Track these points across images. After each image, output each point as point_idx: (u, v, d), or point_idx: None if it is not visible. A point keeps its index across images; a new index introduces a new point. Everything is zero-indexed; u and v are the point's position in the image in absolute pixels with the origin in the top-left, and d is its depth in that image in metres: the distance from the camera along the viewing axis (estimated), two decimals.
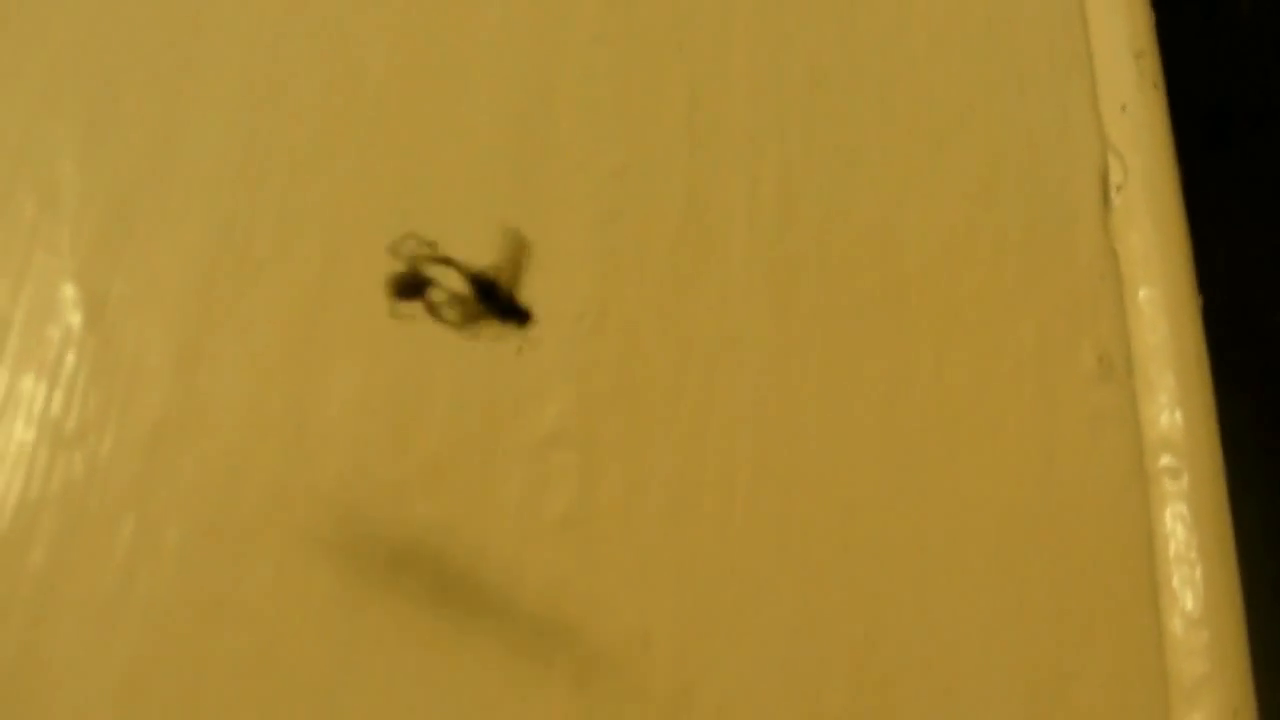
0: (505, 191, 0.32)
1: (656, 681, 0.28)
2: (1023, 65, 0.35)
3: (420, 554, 0.29)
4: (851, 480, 0.30)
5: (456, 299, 0.27)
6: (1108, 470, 0.31)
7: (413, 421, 0.30)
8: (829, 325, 0.32)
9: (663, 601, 0.29)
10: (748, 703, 0.28)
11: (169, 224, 0.32)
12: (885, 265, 0.32)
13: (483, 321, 0.27)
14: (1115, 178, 0.34)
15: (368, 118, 0.33)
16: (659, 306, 0.31)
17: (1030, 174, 0.34)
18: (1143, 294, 0.32)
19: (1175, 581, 0.30)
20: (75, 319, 0.31)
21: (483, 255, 0.31)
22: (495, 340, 0.30)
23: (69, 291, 0.31)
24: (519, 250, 0.27)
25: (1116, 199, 0.33)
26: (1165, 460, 0.31)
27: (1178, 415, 0.31)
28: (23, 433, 0.29)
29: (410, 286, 0.27)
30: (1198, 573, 0.30)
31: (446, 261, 0.27)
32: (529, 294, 0.30)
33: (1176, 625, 0.29)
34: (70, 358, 0.30)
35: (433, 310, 0.27)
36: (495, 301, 0.27)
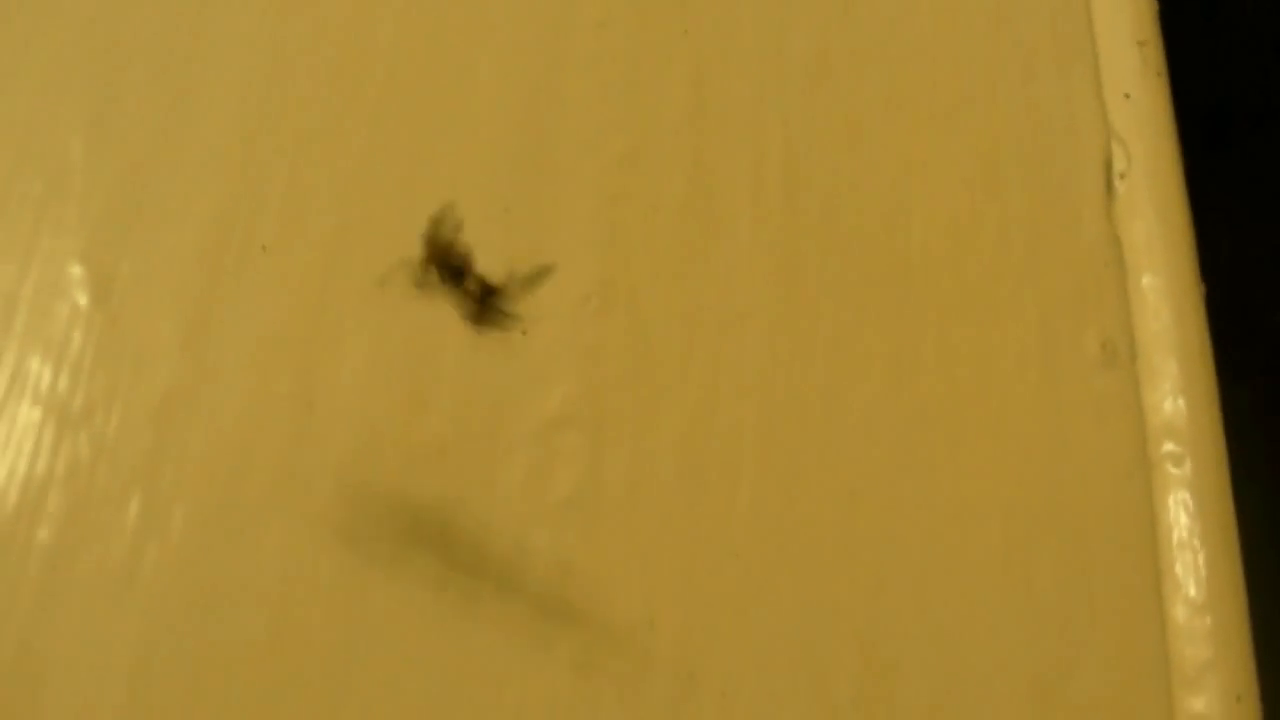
0: (511, 174, 0.33)
1: (660, 665, 0.28)
2: (1026, 52, 0.35)
3: (426, 535, 0.29)
4: (856, 466, 0.30)
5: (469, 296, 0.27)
6: (1110, 456, 0.31)
7: (419, 403, 0.30)
8: (834, 309, 0.32)
9: (667, 585, 0.29)
10: (752, 687, 0.28)
11: (176, 203, 0.32)
12: (889, 250, 0.32)
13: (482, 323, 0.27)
14: (1119, 165, 0.34)
15: (375, 99, 0.34)
16: (665, 289, 0.32)
17: (1033, 161, 0.34)
18: (1146, 281, 0.32)
19: (1178, 568, 0.30)
20: (82, 298, 0.31)
21: (489, 236, 0.31)
22: (500, 326, 0.30)
23: (76, 271, 0.31)
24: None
25: (1120, 186, 0.33)
26: (1168, 447, 0.31)
27: (1180, 402, 0.31)
28: (30, 412, 0.30)
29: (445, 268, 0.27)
30: (1200, 559, 0.30)
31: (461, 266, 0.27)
32: (532, 280, 0.30)
33: (1179, 611, 0.29)
34: (77, 336, 0.30)
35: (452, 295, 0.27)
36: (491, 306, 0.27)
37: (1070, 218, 0.33)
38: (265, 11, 0.35)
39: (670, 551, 0.29)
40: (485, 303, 0.29)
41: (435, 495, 0.29)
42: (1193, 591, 0.29)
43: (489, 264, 0.30)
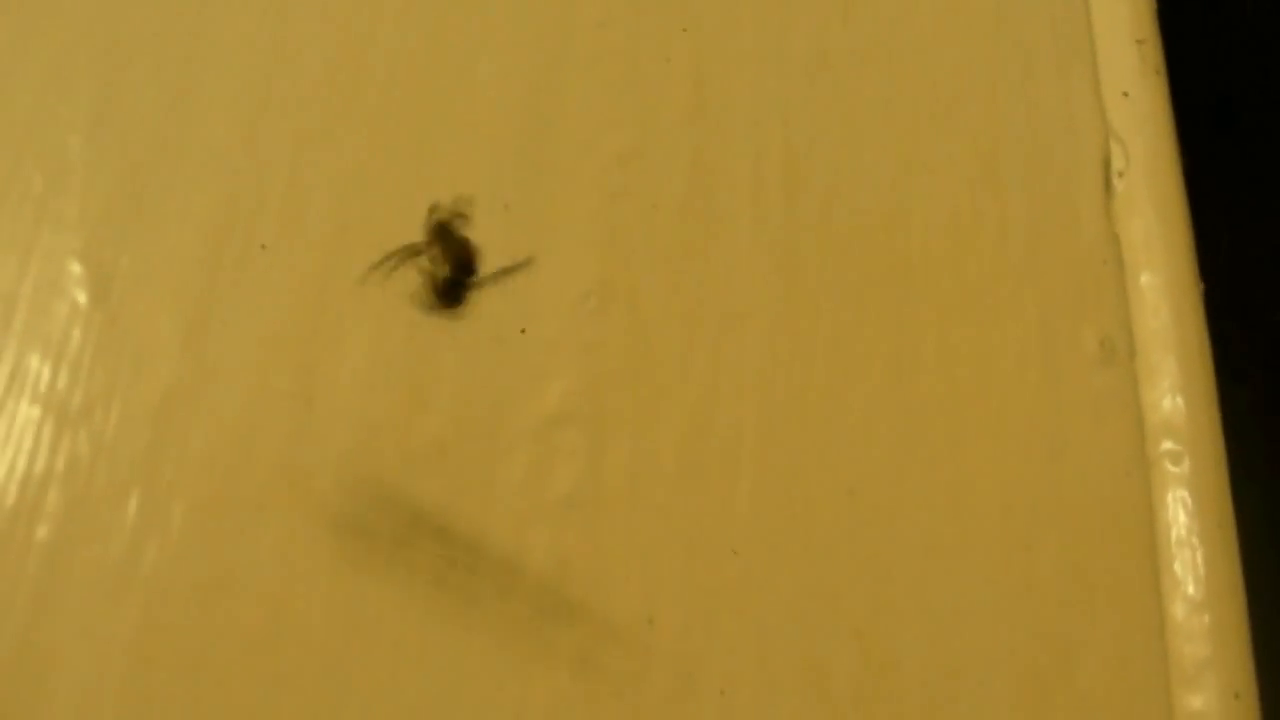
0: (511, 172, 0.33)
1: (660, 662, 0.28)
2: (1025, 51, 0.35)
3: (425, 532, 0.29)
4: (856, 462, 0.30)
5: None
6: (1109, 454, 0.31)
7: (418, 400, 0.30)
8: (833, 307, 0.32)
9: (666, 582, 0.29)
10: (752, 683, 0.28)
11: (176, 202, 0.32)
12: (888, 248, 0.32)
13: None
14: (1117, 164, 0.34)
15: (375, 98, 0.34)
16: (664, 287, 0.32)
17: (1032, 159, 0.34)
18: (1144, 279, 0.32)
19: (1176, 566, 0.30)
20: (82, 296, 0.31)
21: (489, 233, 0.31)
22: (500, 324, 0.30)
23: (76, 268, 0.31)
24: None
25: (1118, 185, 0.34)
26: (1167, 445, 0.31)
27: (1179, 400, 0.31)
28: (29, 409, 0.30)
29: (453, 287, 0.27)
30: (1199, 557, 0.30)
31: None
32: (532, 278, 0.30)
33: (1178, 609, 0.29)
34: (76, 334, 0.30)
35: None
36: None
37: (1069, 216, 0.33)
38: (265, 10, 0.35)
39: (669, 549, 0.29)
40: (456, 281, 0.28)
41: (434, 493, 0.29)
42: (1191, 589, 0.29)
43: (487, 259, 0.30)
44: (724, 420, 0.30)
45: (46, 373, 0.30)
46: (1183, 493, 0.30)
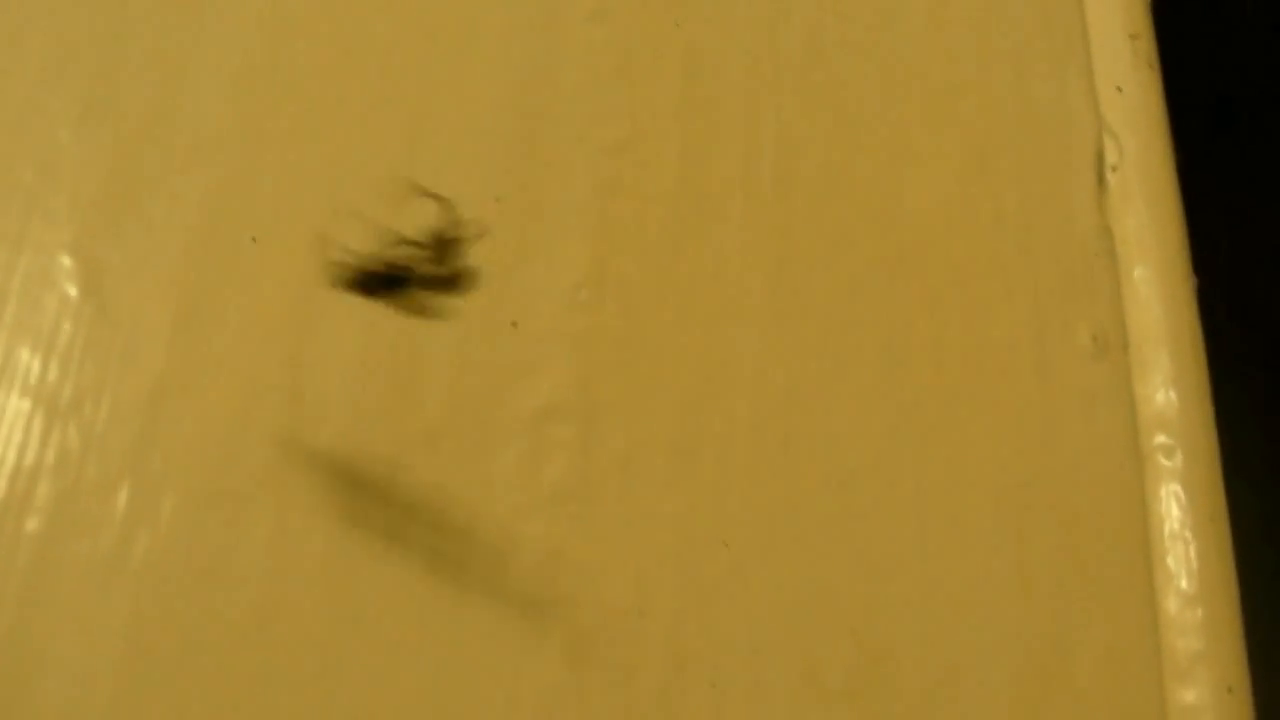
0: (502, 164, 0.33)
1: (651, 653, 0.28)
2: (1019, 44, 0.35)
3: (416, 523, 0.29)
4: (848, 454, 0.30)
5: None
6: (1102, 448, 0.31)
7: (409, 392, 0.30)
8: (825, 299, 0.32)
9: (658, 574, 0.29)
10: (743, 676, 0.28)
11: (166, 194, 0.32)
12: (881, 240, 0.32)
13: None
14: (1110, 158, 0.34)
15: (365, 90, 0.34)
16: (656, 278, 0.32)
17: (1025, 153, 0.34)
18: (1138, 274, 0.32)
19: (1170, 560, 0.30)
20: (72, 289, 0.31)
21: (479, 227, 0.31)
22: (491, 316, 0.30)
23: (66, 261, 0.31)
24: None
25: (1111, 179, 0.33)
26: (1159, 439, 0.31)
27: (1172, 394, 0.31)
28: (19, 402, 0.30)
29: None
30: (1192, 551, 0.30)
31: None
32: (523, 270, 0.30)
33: (1171, 603, 0.29)
34: (67, 327, 0.30)
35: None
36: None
37: (1062, 210, 0.33)
38: (256, 3, 0.35)
39: (661, 541, 0.29)
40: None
41: (426, 485, 0.29)
42: (1184, 583, 0.29)
43: (479, 253, 0.30)
44: (715, 412, 0.30)
45: (36, 365, 0.30)
46: (1176, 487, 0.30)
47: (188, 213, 0.32)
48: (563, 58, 0.34)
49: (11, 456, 0.29)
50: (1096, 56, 0.35)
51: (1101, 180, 0.34)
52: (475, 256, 0.30)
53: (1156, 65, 0.35)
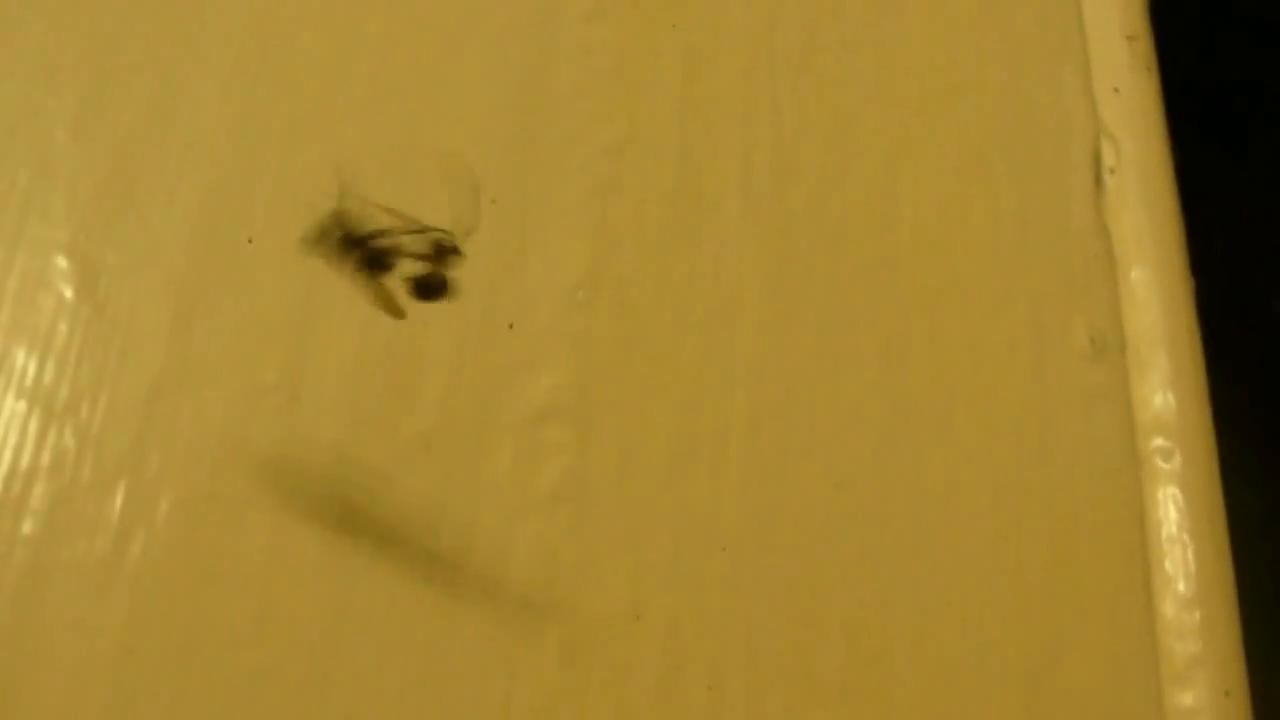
0: (499, 164, 0.33)
1: (647, 656, 0.28)
2: (1016, 45, 0.35)
3: (412, 525, 0.29)
4: (845, 456, 0.30)
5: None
6: (1099, 450, 0.31)
7: (406, 394, 0.30)
8: (822, 301, 0.32)
9: (654, 576, 0.29)
10: (740, 677, 0.28)
11: (163, 195, 0.32)
12: (878, 241, 0.32)
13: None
14: (1108, 160, 0.34)
15: (362, 90, 0.34)
16: (654, 279, 0.32)
17: (1022, 154, 0.34)
18: (1135, 275, 0.32)
19: (1167, 563, 0.30)
20: (68, 289, 0.31)
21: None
22: (488, 318, 0.30)
23: (62, 262, 0.31)
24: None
25: (1109, 181, 0.33)
26: (1157, 441, 0.31)
27: (1170, 396, 0.31)
28: (15, 403, 0.30)
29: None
30: (1189, 554, 0.30)
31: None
32: (520, 271, 0.30)
33: (1168, 606, 0.29)
34: (63, 328, 0.30)
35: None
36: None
37: (1059, 211, 0.33)
38: (253, 3, 0.35)
39: (657, 543, 0.29)
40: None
41: (421, 486, 0.29)
42: (1182, 586, 0.29)
43: (475, 253, 0.30)
44: (712, 414, 0.30)
45: (33, 366, 0.30)
46: (1173, 489, 0.30)
47: (184, 213, 0.32)
48: (560, 58, 0.34)
49: (7, 457, 0.29)
50: (1094, 58, 0.35)
51: (1099, 182, 0.34)
52: (472, 256, 0.30)
53: (1154, 67, 0.35)
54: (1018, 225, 0.33)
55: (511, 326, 0.31)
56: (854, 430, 0.30)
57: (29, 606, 0.28)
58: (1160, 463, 0.30)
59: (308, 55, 0.34)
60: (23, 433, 0.29)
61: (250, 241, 0.31)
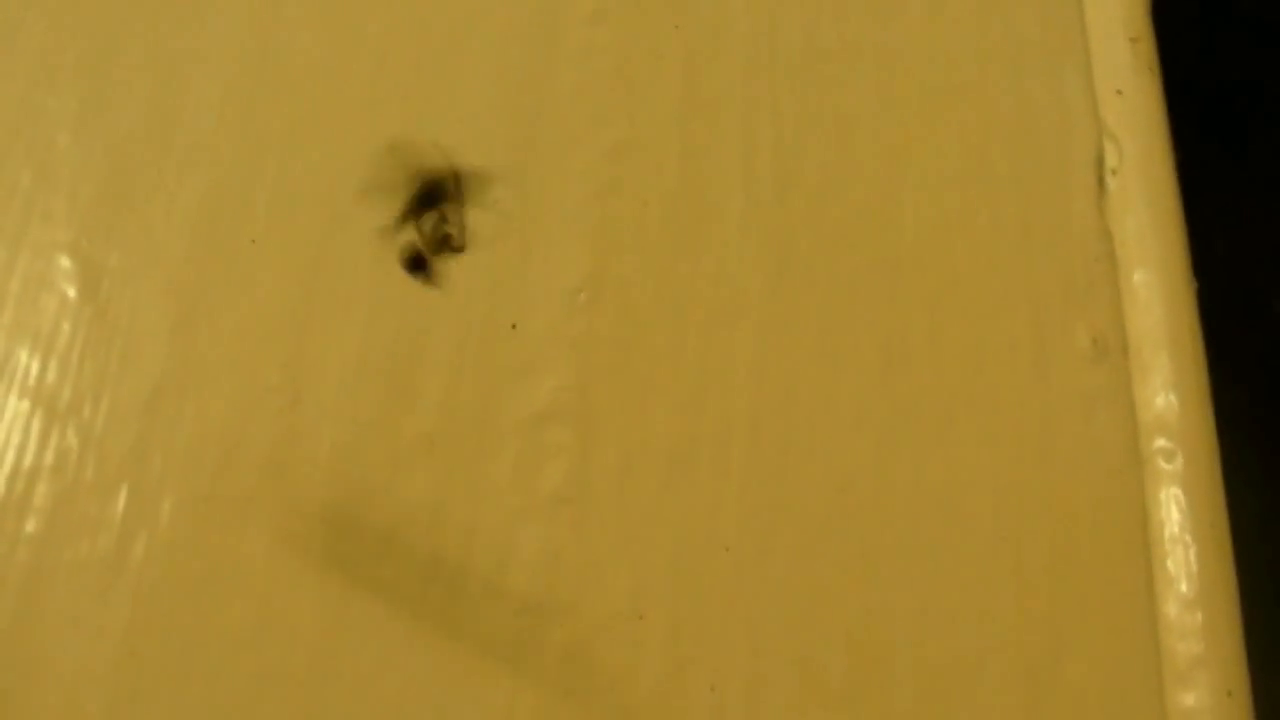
0: (502, 165, 0.33)
1: (649, 658, 0.28)
2: (1018, 47, 0.35)
3: (414, 526, 0.29)
4: (847, 458, 0.30)
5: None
6: (1102, 451, 0.31)
7: (407, 395, 0.30)
8: (824, 302, 0.32)
9: (656, 578, 0.29)
10: (742, 679, 0.28)
11: (165, 195, 0.32)
12: (880, 242, 0.32)
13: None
14: (1110, 161, 0.34)
15: (363, 92, 0.34)
16: (655, 281, 0.32)
17: (1024, 156, 0.34)
18: (1137, 277, 0.32)
19: (1169, 563, 0.30)
20: (71, 290, 0.31)
21: (478, 229, 0.31)
22: (490, 319, 0.30)
23: (65, 262, 0.31)
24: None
25: (1111, 182, 0.33)
26: (1159, 442, 0.31)
27: (1172, 398, 0.31)
28: (18, 403, 0.30)
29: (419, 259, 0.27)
30: (1192, 554, 0.30)
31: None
32: (522, 272, 0.30)
33: (1170, 607, 0.29)
34: (66, 328, 0.30)
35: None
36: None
37: (1061, 213, 0.33)
38: (253, 5, 0.35)
39: (659, 545, 0.29)
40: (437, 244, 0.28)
41: (423, 488, 0.29)
42: (1184, 587, 0.29)
43: (477, 254, 0.30)
44: (714, 415, 0.30)
45: (35, 366, 0.30)
46: (1176, 490, 0.30)
47: (186, 214, 0.32)
48: (561, 60, 0.34)
49: (10, 457, 0.29)
50: (1096, 59, 0.35)
51: (1101, 183, 0.33)
52: (473, 257, 0.30)
53: (1157, 69, 0.35)
54: (1020, 226, 0.33)
55: (514, 327, 0.31)
56: (855, 431, 0.30)
57: (32, 606, 0.28)
58: (1162, 464, 0.30)
59: (308, 56, 0.34)
60: (26, 433, 0.29)
61: (253, 242, 0.31)
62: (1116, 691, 0.28)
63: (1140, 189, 0.33)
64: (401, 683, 0.27)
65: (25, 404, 0.30)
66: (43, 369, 0.30)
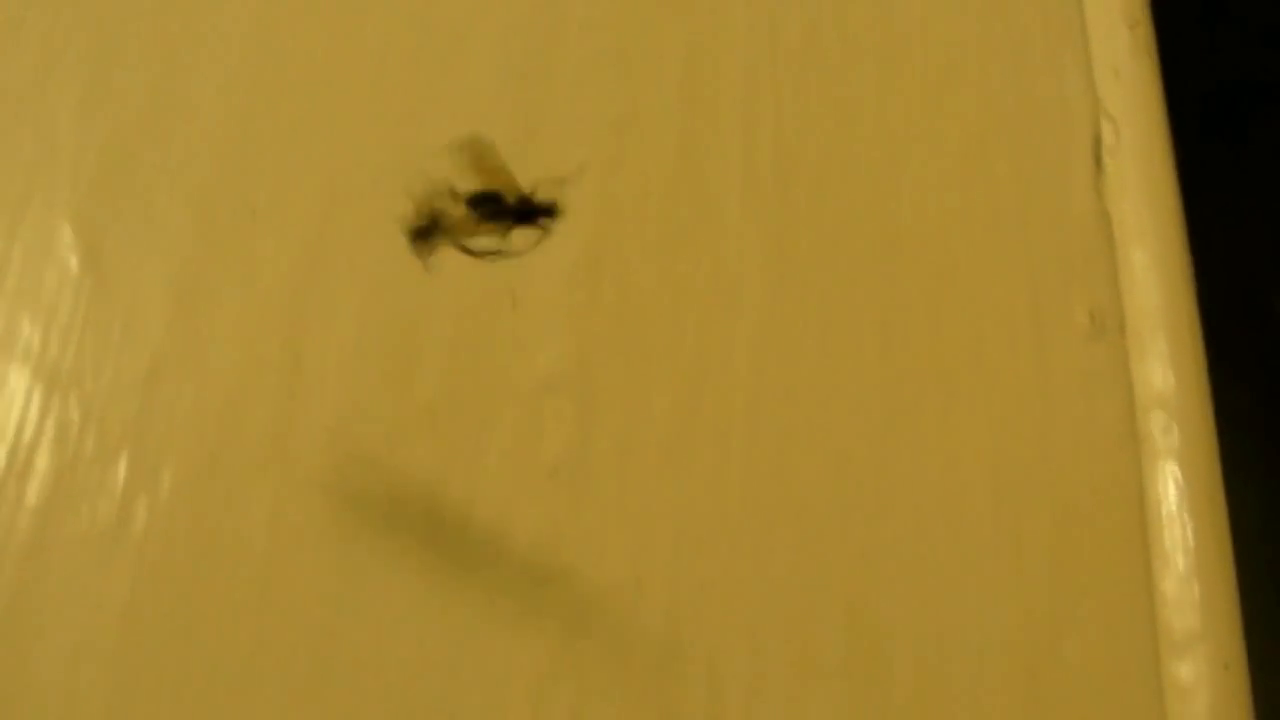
0: (504, 142, 0.33)
1: (648, 628, 0.28)
2: (1017, 30, 0.35)
3: (414, 497, 0.29)
4: (846, 432, 0.30)
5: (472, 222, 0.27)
6: (1099, 427, 0.31)
7: (408, 367, 0.30)
8: (824, 277, 0.32)
9: (655, 549, 0.29)
10: (739, 651, 0.28)
11: (167, 168, 0.32)
12: (879, 220, 0.32)
13: (513, 229, 0.27)
14: (1108, 141, 0.34)
15: (366, 66, 0.34)
16: (655, 257, 0.32)
17: (1023, 137, 0.34)
18: (1134, 254, 0.32)
19: (1166, 538, 0.30)
20: (73, 261, 0.31)
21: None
22: (490, 291, 0.30)
23: (67, 234, 0.31)
24: (491, 159, 0.27)
25: (1109, 162, 0.34)
26: (1157, 418, 0.31)
27: (1169, 374, 0.31)
28: (19, 373, 0.30)
29: (425, 230, 0.27)
30: (1188, 530, 0.30)
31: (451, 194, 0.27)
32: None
33: (1168, 581, 0.29)
34: (67, 300, 0.30)
35: (457, 244, 0.27)
36: (509, 208, 0.27)
37: (1059, 193, 0.33)
38: None
39: (658, 517, 0.29)
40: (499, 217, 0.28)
41: (424, 459, 0.29)
42: (1181, 562, 0.29)
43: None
44: (714, 388, 0.30)
45: (37, 337, 0.30)
46: (1172, 466, 0.30)
47: (188, 186, 0.32)
48: (564, 37, 0.34)
49: (12, 428, 0.29)
50: (1094, 42, 0.35)
51: (1099, 163, 0.34)
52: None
53: (1154, 52, 0.35)
54: (1019, 206, 0.33)
55: (514, 301, 0.31)
56: (855, 406, 0.30)
57: (33, 576, 0.28)
58: (1159, 439, 0.31)
59: (311, 31, 0.34)
60: (27, 404, 0.29)
61: (254, 214, 0.31)
62: (1114, 665, 0.28)
63: (1137, 169, 0.33)
64: (401, 651, 0.27)
65: (27, 374, 0.30)
66: (44, 339, 0.30)
